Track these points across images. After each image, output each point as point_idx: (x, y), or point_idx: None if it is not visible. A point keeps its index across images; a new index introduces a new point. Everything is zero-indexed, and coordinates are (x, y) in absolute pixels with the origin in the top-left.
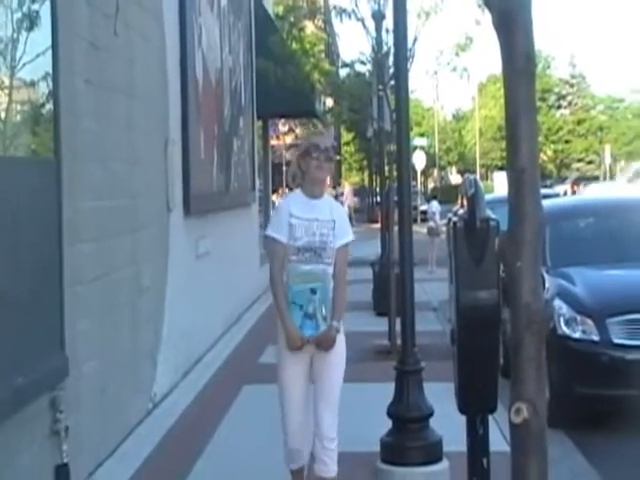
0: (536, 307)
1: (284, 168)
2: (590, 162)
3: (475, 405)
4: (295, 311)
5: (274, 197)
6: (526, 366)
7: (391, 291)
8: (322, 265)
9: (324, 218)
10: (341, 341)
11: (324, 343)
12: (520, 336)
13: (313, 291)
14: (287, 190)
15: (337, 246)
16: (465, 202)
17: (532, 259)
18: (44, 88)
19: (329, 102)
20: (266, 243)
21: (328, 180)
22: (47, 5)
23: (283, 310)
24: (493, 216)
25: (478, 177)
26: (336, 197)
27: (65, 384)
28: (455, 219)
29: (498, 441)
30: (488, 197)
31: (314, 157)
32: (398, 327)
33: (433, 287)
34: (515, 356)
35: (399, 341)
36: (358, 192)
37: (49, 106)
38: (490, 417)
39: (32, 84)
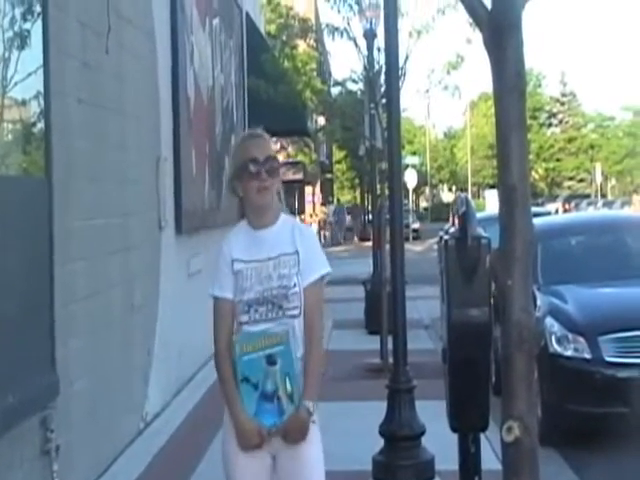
0: (527, 324)
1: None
2: (581, 180)
3: (466, 423)
4: (247, 393)
5: None
6: (517, 384)
7: (383, 309)
8: (285, 320)
9: (282, 252)
10: (316, 431)
11: (293, 433)
12: (511, 354)
13: (271, 360)
14: None
15: (305, 285)
16: (456, 220)
17: (523, 277)
18: (35, 107)
19: (321, 120)
20: (213, 303)
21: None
22: (39, 24)
23: (231, 395)
24: (484, 234)
25: (470, 195)
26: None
27: (56, 403)
28: (447, 237)
29: (490, 459)
30: (479, 215)
31: (252, 175)
32: (390, 345)
33: (425, 305)
34: (506, 374)
35: (391, 359)
36: (351, 210)
37: (40, 125)
38: (482, 435)
39: (23, 103)
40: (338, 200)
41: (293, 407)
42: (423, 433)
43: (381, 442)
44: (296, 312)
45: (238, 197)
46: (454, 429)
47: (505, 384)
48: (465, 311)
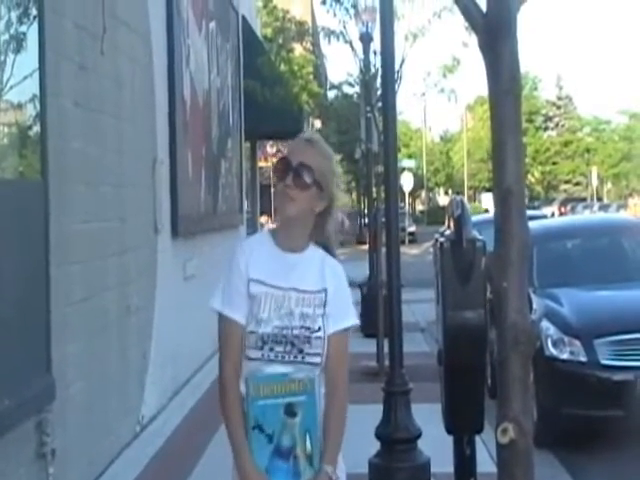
0: (523, 327)
1: (272, 190)
2: (577, 184)
3: (462, 425)
4: (260, 443)
5: (262, 219)
6: (512, 386)
7: (379, 312)
8: (304, 366)
9: (309, 287)
10: None
11: None
12: (506, 356)
13: (290, 410)
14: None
15: (331, 333)
16: (452, 223)
17: (518, 279)
18: (31, 110)
19: (317, 123)
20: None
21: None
22: (34, 27)
23: (239, 441)
24: (479, 237)
25: (466, 198)
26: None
27: (52, 407)
28: (442, 240)
29: (486, 462)
30: (475, 218)
31: (279, 176)
32: (386, 348)
33: (421, 308)
34: (501, 376)
35: (387, 362)
36: (349, 213)
37: (36, 128)
38: (478, 438)
39: (19, 106)
40: None
41: (311, 472)
42: (419, 436)
43: (377, 445)
44: (317, 360)
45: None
46: (449, 431)
47: (501, 386)
48: (460, 313)
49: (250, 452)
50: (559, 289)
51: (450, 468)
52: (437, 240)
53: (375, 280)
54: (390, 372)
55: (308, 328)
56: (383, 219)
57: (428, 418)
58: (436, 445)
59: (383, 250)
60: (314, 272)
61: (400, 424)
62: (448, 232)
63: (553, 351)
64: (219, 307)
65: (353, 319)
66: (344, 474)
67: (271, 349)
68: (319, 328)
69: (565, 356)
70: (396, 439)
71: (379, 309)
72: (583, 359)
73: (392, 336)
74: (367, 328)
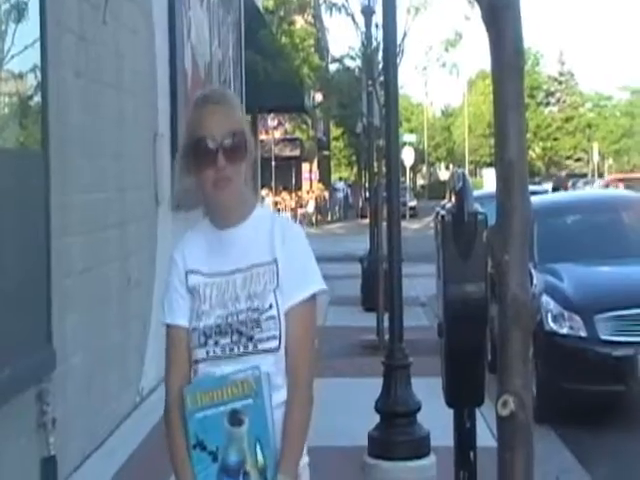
0: (523, 301)
1: (273, 163)
2: (578, 159)
3: (462, 398)
4: (203, 464)
5: (263, 192)
6: (513, 360)
7: (379, 286)
8: (256, 357)
9: (255, 261)
10: None
11: None
12: (507, 330)
13: (236, 418)
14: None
15: (288, 308)
16: (453, 196)
17: (520, 253)
18: (32, 80)
19: (318, 97)
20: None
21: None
22: None
23: (178, 466)
24: (481, 210)
25: (467, 173)
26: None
27: (52, 377)
28: (443, 213)
29: (485, 436)
30: (476, 193)
31: (206, 160)
32: (386, 322)
33: (422, 282)
34: (502, 350)
35: (387, 336)
36: (352, 186)
37: (37, 98)
38: (477, 412)
39: (20, 76)
40: (340, 178)
41: None
42: (419, 409)
43: (377, 418)
44: (273, 345)
45: (191, 181)
46: (450, 404)
47: (501, 359)
48: (461, 287)
49: (193, 476)
50: (560, 264)
51: (450, 442)
52: (438, 213)
53: (376, 254)
54: (390, 346)
55: (256, 309)
56: (384, 193)
57: (428, 392)
58: (436, 419)
59: (384, 224)
60: (260, 241)
61: (400, 398)
62: (449, 205)
63: (553, 326)
64: (162, 318)
65: (315, 285)
66: None
67: (216, 343)
68: (270, 306)
69: (565, 331)
70: (396, 412)
71: (379, 283)
72: (583, 334)
73: (392, 310)
74: (367, 302)
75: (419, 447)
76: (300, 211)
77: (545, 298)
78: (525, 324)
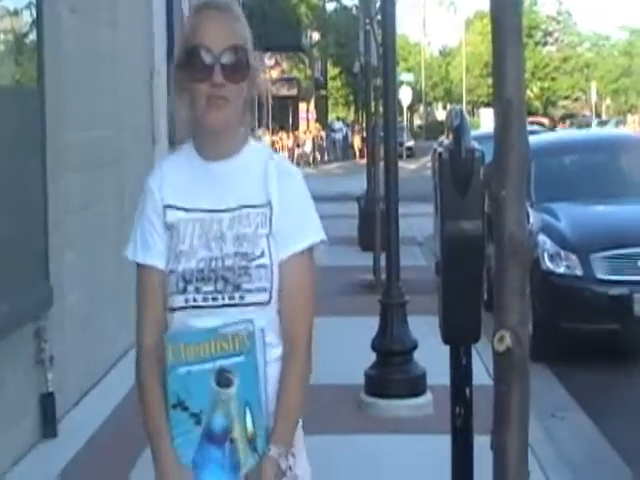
0: (520, 238)
1: (270, 101)
2: (576, 99)
3: (459, 335)
4: (183, 426)
5: (259, 132)
6: (509, 296)
7: (376, 226)
8: (243, 309)
9: (246, 201)
10: None
11: None
12: (504, 266)
13: (224, 378)
14: (267, 133)
15: (284, 258)
16: (450, 133)
17: (517, 189)
18: (27, 17)
19: (315, 36)
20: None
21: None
22: None
23: (155, 426)
24: (478, 147)
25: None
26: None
27: (49, 314)
28: (440, 150)
29: (481, 374)
30: (474, 133)
31: (201, 72)
32: (383, 262)
33: (418, 222)
34: (499, 287)
35: (384, 276)
36: (351, 125)
37: (32, 35)
38: (473, 351)
39: (15, 13)
40: (338, 118)
41: (254, 459)
42: (415, 348)
43: (373, 357)
44: (263, 298)
45: (183, 100)
46: (446, 341)
47: (497, 296)
48: (458, 224)
49: (170, 439)
50: (556, 204)
51: (446, 380)
52: (436, 150)
53: (373, 194)
54: (386, 285)
55: (245, 254)
56: (381, 133)
57: (424, 331)
58: (432, 357)
59: (381, 164)
60: (254, 180)
61: (396, 336)
62: (447, 142)
63: (549, 265)
64: (131, 255)
65: (315, 234)
66: (308, 475)
67: (197, 290)
68: (262, 253)
69: (561, 270)
70: (392, 351)
71: (376, 223)
72: (579, 273)
73: (389, 249)
74: (364, 241)
75: (415, 385)
76: (297, 151)
77: (542, 237)
78: (522, 260)
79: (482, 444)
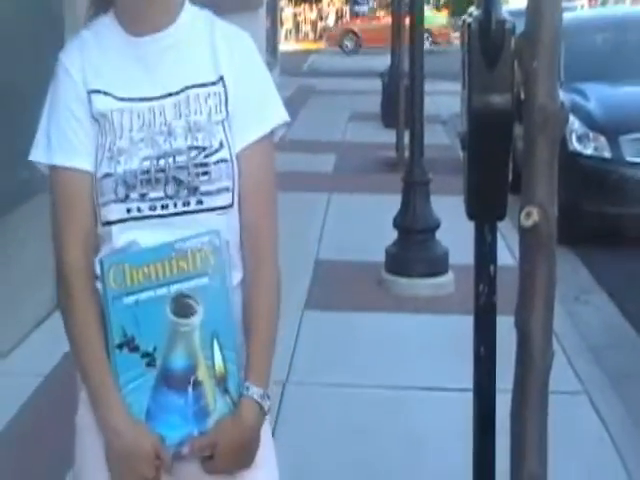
0: (552, 109)
1: None
2: None
3: (484, 210)
4: (133, 370)
5: (282, 3)
6: (538, 170)
7: (400, 103)
8: (199, 217)
9: (194, 80)
10: (268, 440)
11: (228, 455)
12: (533, 139)
13: (184, 306)
14: (290, 4)
15: (244, 147)
16: (480, 3)
17: (549, 60)
18: None
19: None
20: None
21: None
22: None
23: (97, 372)
24: (509, 18)
25: None
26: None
27: None
28: (470, 21)
29: (505, 255)
30: (504, 9)
31: None
32: (406, 139)
33: (443, 101)
34: (527, 160)
35: (407, 153)
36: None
37: None
38: (498, 233)
39: None
40: None
41: (227, 403)
42: (437, 226)
43: (395, 235)
44: (225, 201)
45: None
46: (471, 216)
47: (525, 171)
48: (487, 97)
49: (117, 388)
50: (586, 84)
51: (468, 260)
52: (465, 21)
53: (396, 69)
54: (410, 162)
55: (202, 148)
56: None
57: (448, 211)
58: (455, 238)
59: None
60: (198, 53)
61: (419, 214)
62: (476, 13)
63: (577, 146)
64: (44, 157)
65: (278, 115)
66: (270, 440)
67: (142, 197)
68: (221, 144)
69: (589, 152)
70: (414, 229)
71: (400, 99)
72: (607, 155)
73: (413, 126)
74: (387, 118)
75: (437, 264)
76: (320, 24)
77: (570, 118)
78: (552, 133)
79: (505, 324)
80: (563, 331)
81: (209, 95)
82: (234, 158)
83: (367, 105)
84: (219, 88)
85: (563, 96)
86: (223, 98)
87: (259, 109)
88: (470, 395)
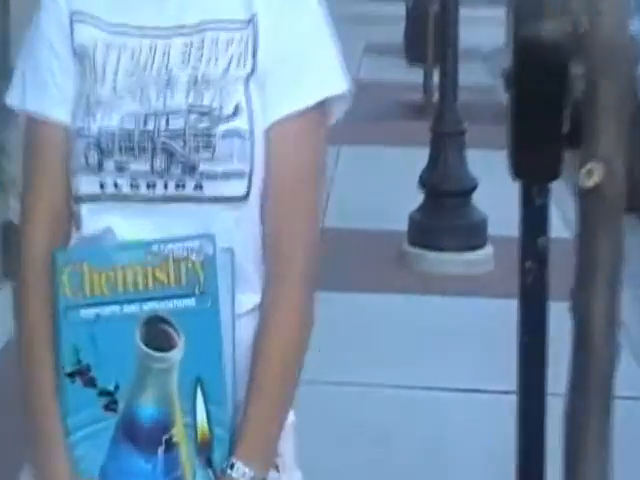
0: (620, 42)
1: None
2: None
3: (533, 168)
4: (85, 410)
5: None
6: (603, 117)
7: (428, 32)
8: (198, 207)
9: (213, 16)
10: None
11: None
12: (597, 79)
13: (157, 332)
14: None
15: (274, 122)
16: None
17: None
18: None
19: None
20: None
21: None
22: None
23: (41, 411)
24: None
25: None
26: None
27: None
28: None
29: (557, 227)
30: None
31: None
32: (436, 79)
33: (484, 31)
34: (589, 106)
35: (436, 96)
36: None
37: None
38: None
39: None
40: None
41: (208, 478)
42: (474, 188)
43: (421, 197)
44: (236, 190)
45: None
46: (517, 175)
47: (586, 119)
48: (536, 24)
49: (62, 432)
50: None
51: (510, 231)
52: None
53: None
54: (440, 108)
55: (206, 111)
56: None
57: (486, 168)
58: (496, 202)
59: None
60: None
61: (451, 172)
62: None
63: None
64: (18, 102)
65: (334, 81)
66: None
67: (120, 169)
68: (236, 109)
69: None
70: (445, 191)
71: (428, 29)
72: None
73: (445, 62)
74: (412, 52)
75: (473, 235)
76: None
77: None
78: (620, 72)
79: (557, 311)
80: (631, 321)
81: (233, 40)
82: (257, 133)
83: (387, 35)
84: (248, 32)
85: (636, 26)
86: (251, 47)
87: (303, 71)
88: (511, 398)
